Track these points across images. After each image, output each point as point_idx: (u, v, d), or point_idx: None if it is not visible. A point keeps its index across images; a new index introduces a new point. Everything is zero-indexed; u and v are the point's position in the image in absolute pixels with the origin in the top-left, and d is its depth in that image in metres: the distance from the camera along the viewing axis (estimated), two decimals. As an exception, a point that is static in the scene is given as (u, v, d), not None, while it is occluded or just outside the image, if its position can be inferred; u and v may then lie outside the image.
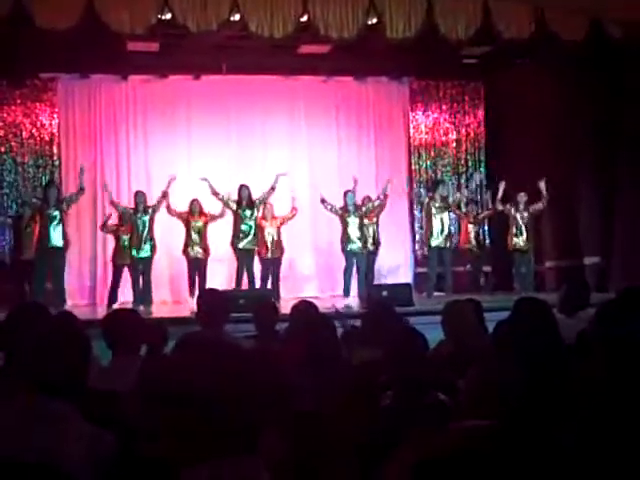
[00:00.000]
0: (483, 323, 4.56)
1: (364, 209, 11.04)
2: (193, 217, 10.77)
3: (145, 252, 10.51)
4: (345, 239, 10.82)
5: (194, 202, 10.78)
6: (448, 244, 11.47)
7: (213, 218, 10.88)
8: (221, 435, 1.58)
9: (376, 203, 11.22)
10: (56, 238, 9.95)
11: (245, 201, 10.79)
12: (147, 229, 10.49)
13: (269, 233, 10.89)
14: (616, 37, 10.17)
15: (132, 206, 10.75)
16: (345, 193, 11.04)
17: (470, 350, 3.75)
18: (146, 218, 10.52)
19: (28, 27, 9.18)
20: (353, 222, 10.83)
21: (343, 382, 3.03)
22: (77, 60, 11.61)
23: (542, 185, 11.10)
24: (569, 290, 5.28)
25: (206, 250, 10.79)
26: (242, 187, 10.88)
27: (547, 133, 11.86)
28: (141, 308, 9.53)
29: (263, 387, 1.75)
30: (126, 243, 10.59)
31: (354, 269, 10.88)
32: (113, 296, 10.51)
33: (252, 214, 10.80)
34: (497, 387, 2.66)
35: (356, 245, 10.81)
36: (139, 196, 10.68)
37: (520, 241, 11.30)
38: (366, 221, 11.04)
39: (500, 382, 2.70)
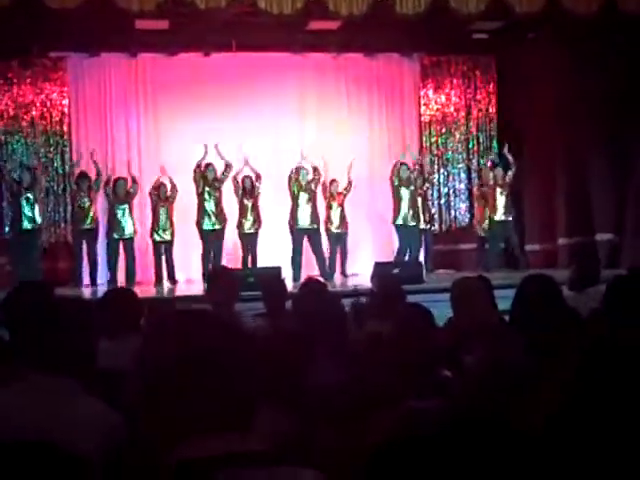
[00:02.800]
0: (493, 300, 4.54)
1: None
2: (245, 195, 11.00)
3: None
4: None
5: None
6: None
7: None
8: (216, 410, 1.58)
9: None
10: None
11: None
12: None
13: (335, 209, 11.00)
14: (630, 10, 10.03)
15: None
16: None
17: (478, 327, 3.74)
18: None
19: (37, 6, 9.15)
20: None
21: (350, 357, 3.04)
22: (87, 39, 11.60)
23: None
24: (578, 267, 5.27)
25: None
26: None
27: (559, 108, 11.76)
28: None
29: (262, 362, 1.74)
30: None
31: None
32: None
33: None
34: (503, 365, 2.66)
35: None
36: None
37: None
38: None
39: (506, 360, 2.69)
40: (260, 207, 11.25)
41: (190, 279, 11.59)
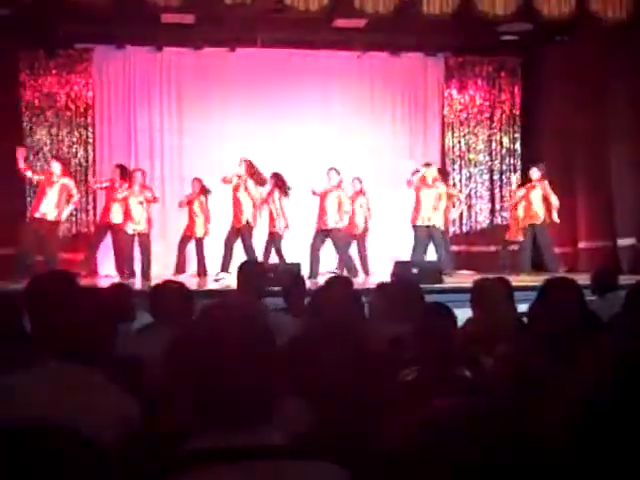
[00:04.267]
0: (512, 302, 4.52)
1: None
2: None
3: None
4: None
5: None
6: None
7: None
8: (236, 403, 1.58)
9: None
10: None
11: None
12: None
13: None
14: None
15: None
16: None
17: (499, 328, 3.73)
18: None
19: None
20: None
21: (369, 356, 3.03)
22: (112, 31, 11.66)
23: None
24: (597, 272, 5.25)
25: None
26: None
27: (585, 112, 11.68)
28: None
29: (284, 357, 1.74)
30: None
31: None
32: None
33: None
34: (523, 367, 2.65)
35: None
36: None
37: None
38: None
39: (525, 362, 2.68)
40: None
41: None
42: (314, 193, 10.89)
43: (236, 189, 10.48)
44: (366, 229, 11.57)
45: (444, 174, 11.69)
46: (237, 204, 10.49)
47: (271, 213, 10.82)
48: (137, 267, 10.64)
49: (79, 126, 12.18)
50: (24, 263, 9.43)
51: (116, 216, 10.76)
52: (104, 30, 11.53)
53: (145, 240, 10.63)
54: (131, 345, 3.03)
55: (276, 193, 10.80)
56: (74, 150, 12.10)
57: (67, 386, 2.34)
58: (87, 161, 12.08)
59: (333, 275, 8.66)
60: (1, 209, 10.74)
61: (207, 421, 1.62)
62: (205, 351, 1.66)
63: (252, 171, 10.50)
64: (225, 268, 10.28)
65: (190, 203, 11.17)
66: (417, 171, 11.07)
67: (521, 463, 1.52)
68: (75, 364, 2.39)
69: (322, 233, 10.80)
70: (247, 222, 10.45)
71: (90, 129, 12.21)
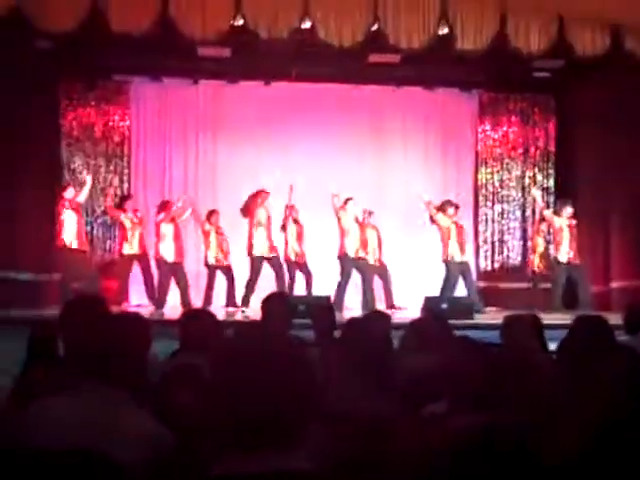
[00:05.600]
0: (542, 339, 4.51)
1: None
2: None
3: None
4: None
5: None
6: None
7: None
8: (267, 428, 1.62)
9: None
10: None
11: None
12: None
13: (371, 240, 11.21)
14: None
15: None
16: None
17: (529, 365, 3.72)
18: None
19: (103, 30, 9.43)
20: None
21: (394, 389, 3.05)
22: (150, 64, 11.89)
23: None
24: (630, 310, 5.24)
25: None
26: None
27: (619, 150, 11.65)
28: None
29: (312, 385, 1.78)
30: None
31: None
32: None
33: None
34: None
35: None
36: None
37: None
38: None
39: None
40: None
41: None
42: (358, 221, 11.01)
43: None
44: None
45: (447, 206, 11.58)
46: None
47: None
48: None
49: (115, 156, 12.39)
50: (67, 290, 9.62)
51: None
52: (142, 62, 11.77)
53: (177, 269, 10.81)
54: (161, 371, 3.08)
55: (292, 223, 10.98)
56: (109, 180, 12.29)
57: (100, 409, 2.40)
58: (122, 191, 12.25)
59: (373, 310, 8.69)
60: (36, 238, 10.90)
61: (237, 445, 1.66)
62: (238, 375, 1.69)
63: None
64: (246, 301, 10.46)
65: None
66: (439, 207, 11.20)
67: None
68: (108, 387, 2.45)
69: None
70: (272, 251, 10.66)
71: (126, 160, 12.40)
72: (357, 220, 11.10)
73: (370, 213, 11.30)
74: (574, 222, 11.21)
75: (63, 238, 10.36)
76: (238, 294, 10.80)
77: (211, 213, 11.13)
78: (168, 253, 10.70)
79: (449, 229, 11.05)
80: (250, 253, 10.73)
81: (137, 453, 2.29)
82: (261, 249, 10.73)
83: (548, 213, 11.63)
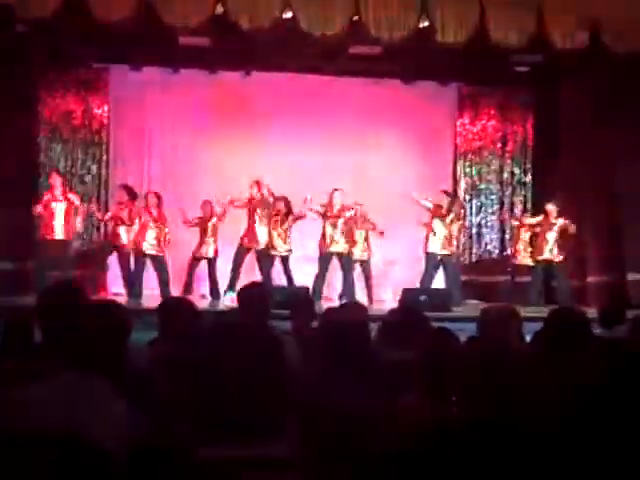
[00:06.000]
0: (520, 331, 4.55)
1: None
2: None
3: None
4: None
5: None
6: None
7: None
8: (239, 418, 1.63)
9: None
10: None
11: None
12: None
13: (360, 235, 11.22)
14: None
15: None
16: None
17: (504, 356, 3.75)
18: None
19: (83, 17, 9.36)
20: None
21: (371, 380, 3.07)
22: (129, 52, 11.79)
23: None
24: (605, 305, 5.31)
25: None
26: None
27: (597, 145, 11.74)
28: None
29: (286, 374, 1.79)
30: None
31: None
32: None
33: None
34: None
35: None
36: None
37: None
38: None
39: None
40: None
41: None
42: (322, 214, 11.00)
43: (251, 211, 10.77)
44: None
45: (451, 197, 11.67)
46: (251, 226, 10.75)
47: (279, 235, 10.97)
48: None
49: (94, 144, 12.31)
50: (42, 279, 9.57)
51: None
52: (122, 50, 11.67)
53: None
54: (139, 358, 3.08)
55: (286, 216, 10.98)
56: (87, 167, 12.21)
57: (75, 396, 2.39)
58: (100, 179, 12.17)
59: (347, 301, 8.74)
60: (13, 225, 10.81)
61: (214, 433, 1.67)
62: (207, 367, 1.70)
63: (261, 193, 10.77)
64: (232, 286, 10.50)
65: (201, 225, 11.26)
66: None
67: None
68: (85, 375, 2.44)
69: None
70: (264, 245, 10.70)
71: (104, 147, 12.32)
72: (340, 212, 11.08)
73: (355, 206, 11.27)
74: (561, 220, 11.33)
75: (46, 227, 10.32)
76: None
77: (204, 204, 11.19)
78: (150, 244, 10.74)
79: (432, 220, 11.11)
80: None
81: (113, 438, 2.29)
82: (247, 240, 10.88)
83: (532, 221, 11.73)
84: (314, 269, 11.08)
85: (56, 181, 10.66)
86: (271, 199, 10.99)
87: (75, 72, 12.13)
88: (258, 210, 11.06)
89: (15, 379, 2.73)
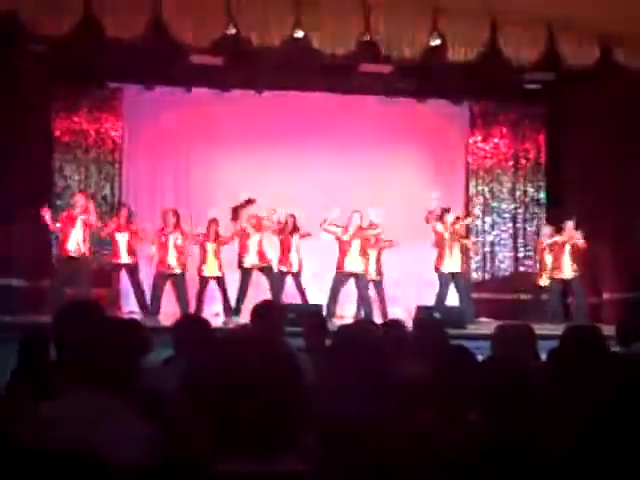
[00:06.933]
0: (535, 349, 4.51)
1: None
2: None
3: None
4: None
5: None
6: None
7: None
8: (257, 431, 1.62)
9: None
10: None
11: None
12: None
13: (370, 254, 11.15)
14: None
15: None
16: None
17: (520, 375, 3.72)
18: None
19: (97, 37, 9.45)
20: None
21: (385, 397, 3.06)
22: (142, 71, 11.89)
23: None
24: (621, 323, 5.26)
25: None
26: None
27: (610, 162, 11.70)
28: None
29: (301, 389, 1.78)
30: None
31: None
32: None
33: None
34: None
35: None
36: None
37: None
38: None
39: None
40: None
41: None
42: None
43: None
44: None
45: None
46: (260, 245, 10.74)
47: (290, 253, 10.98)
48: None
49: (107, 163, 12.36)
50: (59, 296, 9.58)
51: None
52: (135, 70, 11.76)
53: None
54: (153, 377, 3.08)
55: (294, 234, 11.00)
56: (101, 187, 12.26)
57: (94, 416, 2.39)
58: (113, 197, 12.22)
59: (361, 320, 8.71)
60: (27, 243, 10.85)
61: (229, 448, 1.66)
62: (223, 381, 1.70)
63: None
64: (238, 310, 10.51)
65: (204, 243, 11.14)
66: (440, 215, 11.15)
67: None
68: (103, 394, 2.44)
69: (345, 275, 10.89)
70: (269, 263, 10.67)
71: (117, 167, 12.38)
72: (356, 232, 11.03)
73: (370, 225, 11.22)
74: (578, 237, 11.21)
75: (65, 246, 10.30)
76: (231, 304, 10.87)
77: (210, 223, 11.09)
78: (171, 263, 10.69)
79: (444, 237, 11.05)
80: (240, 264, 10.78)
81: (127, 457, 2.28)
82: (251, 259, 10.75)
83: (549, 241, 11.62)
84: (319, 286, 11.09)
85: (80, 200, 10.60)
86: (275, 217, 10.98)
87: (89, 91, 12.21)
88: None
89: (30, 397, 2.74)
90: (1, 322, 8.53)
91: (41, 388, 2.84)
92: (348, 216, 10.90)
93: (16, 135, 10.68)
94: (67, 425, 2.33)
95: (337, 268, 10.93)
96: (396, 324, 4.73)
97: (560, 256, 11.31)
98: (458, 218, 11.24)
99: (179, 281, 10.74)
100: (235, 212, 10.81)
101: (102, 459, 2.06)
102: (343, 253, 10.85)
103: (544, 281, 11.67)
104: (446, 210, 11.19)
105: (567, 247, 11.27)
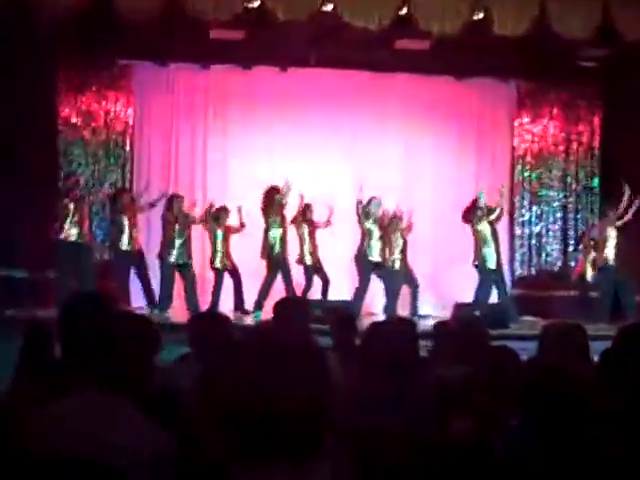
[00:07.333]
0: (586, 351, 4.50)
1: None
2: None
3: None
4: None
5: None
6: None
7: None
8: (274, 436, 1.64)
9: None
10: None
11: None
12: None
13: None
14: None
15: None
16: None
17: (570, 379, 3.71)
18: None
19: (107, 12, 9.49)
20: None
21: (419, 402, 3.07)
22: (156, 47, 11.90)
23: None
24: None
25: None
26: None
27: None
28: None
29: (329, 392, 1.80)
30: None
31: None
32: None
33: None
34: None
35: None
36: None
37: None
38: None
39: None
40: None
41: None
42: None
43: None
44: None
45: None
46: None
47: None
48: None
49: (117, 147, 12.44)
50: (65, 287, 9.68)
51: None
52: (147, 46, 11.78)
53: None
54: (166, 377, 3.11)
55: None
56: (110, 171, 12.33)
57: (102, 418, 2.43)
58: (124, 183, 12.28)
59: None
60: (36, 233, 10.95)
61: (246, 455, 1.67)
62: (247, 383, 1.71)
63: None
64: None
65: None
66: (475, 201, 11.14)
67: None
68: (110, 395, 2.47)
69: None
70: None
71: (128, 151, 12.45)
72: (381, 221, 11.10)
73: (396, 215, 11.25)
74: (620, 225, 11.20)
75: (64, 228, 10.42)
76: (248, 298, 10.96)
77: (219, 211, 11.16)
78: (174, 253, 10.80)
79: (484, 230, 11.04)
80: (265, 255, 10.85)
81: (139, 463, 2.31)
82: (278, 250, 10.85)
83: (596, 232, 11.58)
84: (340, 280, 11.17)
85: (79, 182, 10.74)
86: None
87: (97, 70, 12.26)
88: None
89: (35, 397, 2.78)
90: (3, 316, 8.64)
91: (46, 388, 2.88)
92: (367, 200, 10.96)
93: (19, 115, 10.78)
94: (76, 428, 2.36)
95: (357, 259, 10.99)
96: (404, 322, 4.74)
97: (607, 247, 11.24)
98: (491, 210, 11.24)
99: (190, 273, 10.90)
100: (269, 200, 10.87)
101: (111, 467, 2.10)
102: (368, 242, 10.93)
103: (592, 277, 11.63)
104: (491, 210, 11.19)
105: (614, 241, 11.20)
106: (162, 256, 10.86)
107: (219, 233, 11.08)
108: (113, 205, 11.16)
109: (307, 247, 11.20)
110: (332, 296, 11.07)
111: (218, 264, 11.08)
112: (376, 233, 11.04)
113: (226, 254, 11.09)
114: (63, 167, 11.97)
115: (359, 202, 11.03)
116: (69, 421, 2.42)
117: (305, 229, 11.21)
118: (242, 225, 11.14)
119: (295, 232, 11.24)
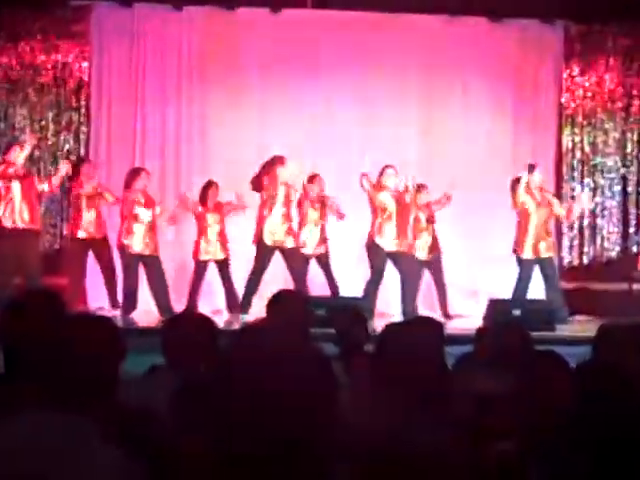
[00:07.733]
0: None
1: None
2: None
3: None
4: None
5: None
6: None
7: None
8: (278, 466, 1.66)
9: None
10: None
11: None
12: None
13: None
14: None
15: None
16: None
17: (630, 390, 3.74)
18: None
19: None
20: None
21: (448, 419, 3.09)
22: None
23: None
24: None
25: None
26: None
27: None
28: None
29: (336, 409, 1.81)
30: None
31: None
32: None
33: None
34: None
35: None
36: None
37: None
38: None
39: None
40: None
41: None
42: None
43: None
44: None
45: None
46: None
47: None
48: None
49: (69, 108, 12.44)
50: (2, 286, 9.70)
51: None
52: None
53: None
54: (134, 392, 3.13)
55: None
56: (62, 139, 12.34)
57: (53, 445, 2.43)
58: (78, 153, 12.29)
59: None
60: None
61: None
62: (235, 398, 1.72)
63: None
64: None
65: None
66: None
67: None
68: (64, 415, 2.48)
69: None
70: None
71: (83, 113, 12.44)
72: (398, 197, 11.07)
73: (420, 187, 11.25)
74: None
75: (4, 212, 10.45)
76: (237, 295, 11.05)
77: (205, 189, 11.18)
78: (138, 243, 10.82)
79: (528, 208, 11.03)
80: (258, 240, 10.85)
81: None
82: (273, 236, 10.83)
83: None
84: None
85: (19, 153, 10.71)
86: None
87: (45, 11, 12.24)
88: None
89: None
90: None
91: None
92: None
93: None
94: (22, 456, 2.37)
95: (369, 247, 11.01)
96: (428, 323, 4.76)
97: None
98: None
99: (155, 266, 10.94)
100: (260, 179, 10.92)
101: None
102: (381, 225, 10.93)
103: None
104: (532, 167, 11.15)
105: None
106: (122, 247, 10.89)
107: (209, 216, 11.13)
108: (71, 182, 11.16)
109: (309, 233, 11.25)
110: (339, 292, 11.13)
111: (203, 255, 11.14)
112: (392, 211, 11.01)
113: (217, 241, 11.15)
114: (1, 134, 12.00)
115: (363, 175, 11.01)
116: (15, 448, 2.43)
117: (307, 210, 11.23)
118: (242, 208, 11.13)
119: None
